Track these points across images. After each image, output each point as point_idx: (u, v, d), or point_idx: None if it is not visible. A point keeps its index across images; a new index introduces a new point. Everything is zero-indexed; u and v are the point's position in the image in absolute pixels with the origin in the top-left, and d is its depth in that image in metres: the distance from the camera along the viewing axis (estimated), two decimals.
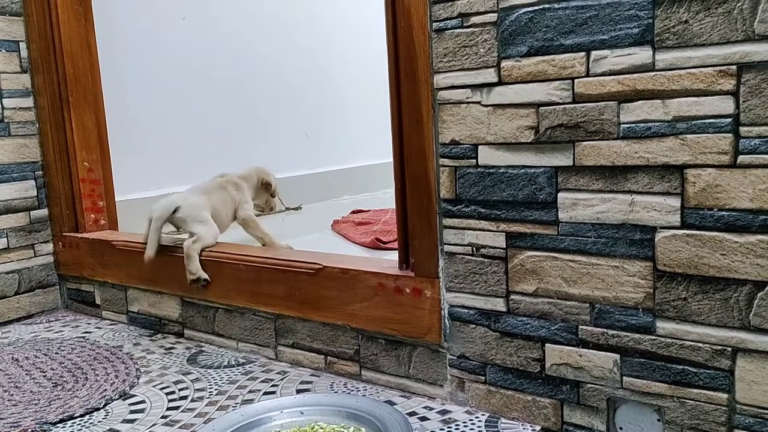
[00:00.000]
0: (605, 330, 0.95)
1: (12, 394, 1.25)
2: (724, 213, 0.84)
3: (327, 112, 2.80)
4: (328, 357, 1.28)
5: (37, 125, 1.78)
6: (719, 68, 0.82)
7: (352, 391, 1.20)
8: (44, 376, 1.33)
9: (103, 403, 1.19)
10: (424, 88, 1.08)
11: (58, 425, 1.12)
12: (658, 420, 0.92)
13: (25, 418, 1.14)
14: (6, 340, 1.59)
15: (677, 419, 0.90)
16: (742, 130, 0.81)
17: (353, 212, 2.33)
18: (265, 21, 2.54)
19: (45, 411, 1.17)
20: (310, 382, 1.24)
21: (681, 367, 0.89)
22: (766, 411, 0.84)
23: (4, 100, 1.71)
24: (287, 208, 2.52)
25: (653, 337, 0.91)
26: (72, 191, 1.75)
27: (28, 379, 1.31)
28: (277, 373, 1.30)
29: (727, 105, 0.82)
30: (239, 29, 2.44)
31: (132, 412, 1.16)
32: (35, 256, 1.79)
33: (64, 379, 1.31)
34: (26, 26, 1.75)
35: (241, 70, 2.46)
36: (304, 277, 1.28)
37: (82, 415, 1.15)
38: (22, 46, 1.75)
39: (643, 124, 0.88)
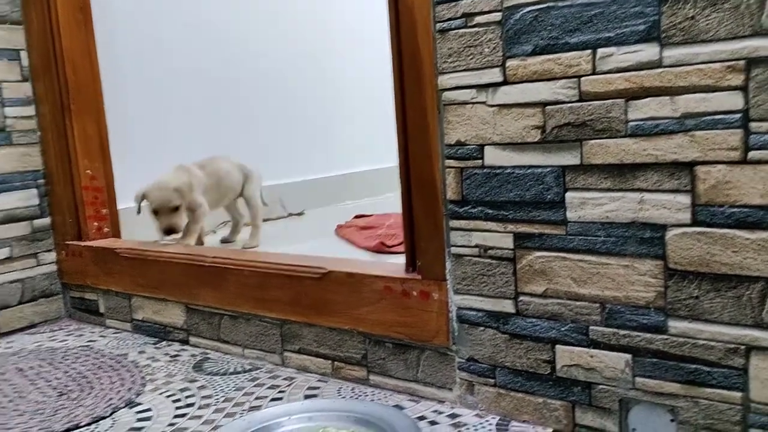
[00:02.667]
0: (616, 330, 0.94)
1: (17, 404, 1.24)
2: (735, 209, 0.83)
3: (328, 117, 2.79)
4: (335, 362, 1.27)
5: (39, 133, 1.78)
6: (727, 64, 0.81)
7: (360, 395, 1.19)
8: (49, 385, 1.32)
9: (110, 412, 1.18)
10: (429, 89, 1.07)
11: None
12: (672, 420, 0.91)
13: (31, 428, 1.13)
14: (10, 350, 1.58)
15: (691, 419, 0.89)
16: (752, 125, 0.80)
17: (356, 217, 2.33)
18: (266, 26, 2.54)
19: (50, 421, 1.16)
20: (318, 388, 1.23)
21: (694, 366, 0.88)
22: None
23: (5, 109, 1.71)
24: (290, 214, 2.52)
25: (665, 337, 0.90)
26: (74, 199, 1.74)
27: (32, 389, 1.31)
28: (284, 379, 1.29)
29: (736, 100, 0.81)
30: (240, 35, 2.44)
31: (139, 420, 1.15)
32: (38, 265, 1.78)
33: (69, 388, 1.30)
34: (27, 34, 1.75)
35: (243, 77, 2.46)
36: (309, 281, 1.27)
37: (88, 424, 1.14)
38: (23, 54, 1.75)
39: (651, 122, 0.87)
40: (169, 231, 1.70)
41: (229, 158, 1.95)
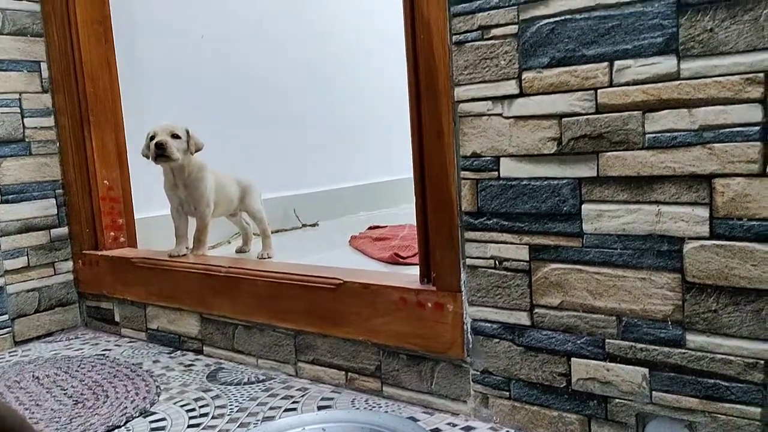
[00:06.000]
0: (633, 343, 0.93)
1: (33, 412, 1.24)
2: (755, 223, 0.82)
3: (342, 128, 2.81)
4: (349, 373, 1.27)
5: (58, 144, 1.80)
6: (746, 76, 0.81)
7: (374, 407, 1.18)
8: (65, 393, 1.33)
9: (124, 421, 1.18)
10: (445, 100, 1.07)
11: None
12: None
13: None
14: (27, 358, 1.59)
15: None
16: None
17: (370, 228, 2.33)
18: (281, 38, 2.56)
19: (66, 429, 1.16)
20: (331, 399, 1.23)
21: (712, 381, 0.87)
22: None
23: (25, 120, 1.73)
24: (304, 225, 2.52)
25: (683, 351, 0.89)
26: (92, 209, 1.76)
27: (48, 397, 1.31)
28: (298, 389, 1.29)
29: (755, 113, 0.81)
30: (256, 47, 2.46)
31: (153, 429, 1.15)
32: (55, 274, 1.79)
33: (85, 396, 1.31)
34: (47, 47, 1.78)
35: (258, 87, 2.47)
36: (324, 292, 1.28)
37: None
38: (43, 66, 1.77)
39: (668, 134, 0.87)
40: (159, 146, 1.58)
41: (226, 173, 1.91)
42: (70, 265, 1.82)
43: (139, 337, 1.68)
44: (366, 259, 1.84)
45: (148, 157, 1.63)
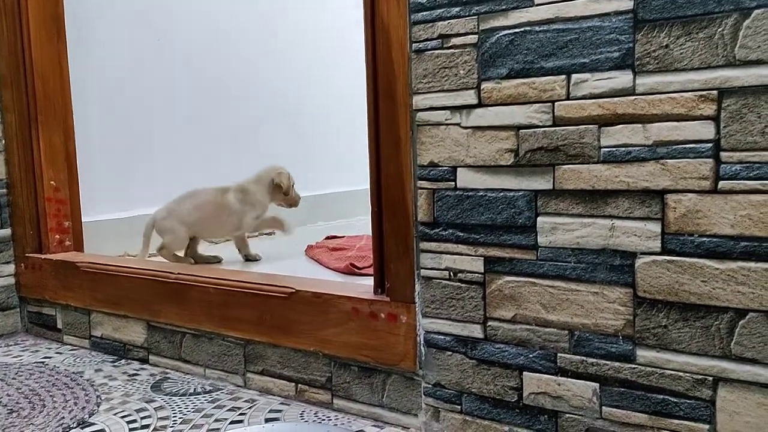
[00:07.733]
0: (584, 358, 0.92)
1: None
2: (705, 239, 0.82)
3: (302, 137, 2.78)
4: (299, 384, 1.24)
5: (3, 142, 1.73)
6: (700, 93, 0.81)
7: (324, 420, 1.15)
8: None
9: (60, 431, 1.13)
10: (403, 109, 1.06)
11: None
12: None
13: None
14: None
15: None
16: (723, 155, 0.81)
17: (327, 238, 2.30)
18: (240, 44, 2.53)
19: None
20: (280, 411, 1.20)
21: (661, 396, 0.87)
22: None
23: None
24: (260, 233, 2.48)
25: (633, 366, 0.89)
26: (37, 211, 1.69)
27: None
28: (246, 401, 1.25)
29: (707, 130, 0.81)
30: (214, 52, 2.43)
31: None
32: None
33: (21, 405, 1.24)
34: None
35: (215, 94, 2.43)
36: (276, 301, 1.24)
37: None
38: None
39: (623, 149, 0.87)
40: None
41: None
42: (11, 268, 1.75)
43: (82, 344, 1.62)
44: (321, 269, 1.81)
45: (287, 193, 2.00)
